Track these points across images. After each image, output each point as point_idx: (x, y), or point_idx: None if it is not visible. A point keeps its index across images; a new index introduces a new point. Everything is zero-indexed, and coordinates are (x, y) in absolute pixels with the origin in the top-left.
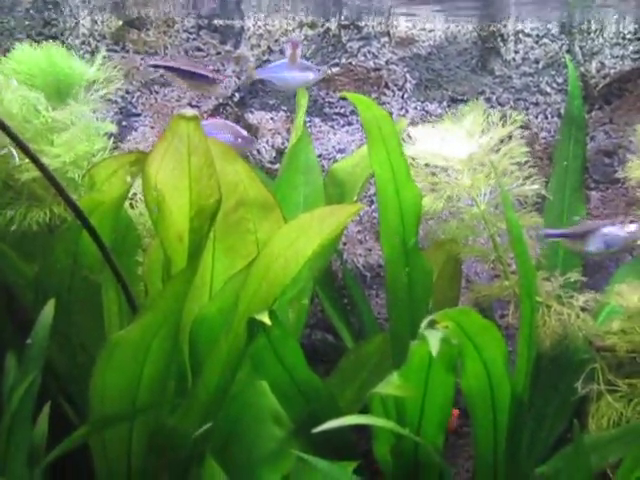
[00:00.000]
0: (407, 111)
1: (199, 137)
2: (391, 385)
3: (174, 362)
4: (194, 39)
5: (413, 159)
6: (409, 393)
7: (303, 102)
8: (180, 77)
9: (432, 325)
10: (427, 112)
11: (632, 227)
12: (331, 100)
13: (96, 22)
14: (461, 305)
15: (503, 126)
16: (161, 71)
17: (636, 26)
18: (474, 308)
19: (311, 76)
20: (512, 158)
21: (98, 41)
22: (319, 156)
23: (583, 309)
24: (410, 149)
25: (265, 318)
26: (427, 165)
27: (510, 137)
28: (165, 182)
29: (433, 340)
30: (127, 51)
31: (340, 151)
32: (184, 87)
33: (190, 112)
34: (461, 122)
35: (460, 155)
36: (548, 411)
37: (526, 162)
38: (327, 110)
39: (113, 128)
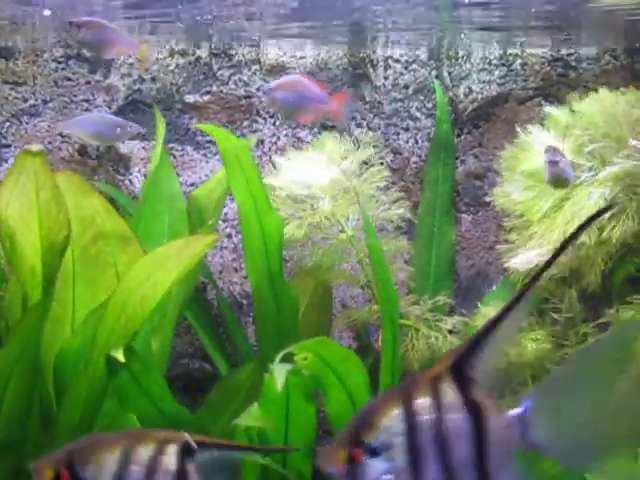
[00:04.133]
0: (279, 138)
1: (46, 172)
2: (251, 416)
3: (37, 398)
4: (63, 69)
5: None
6: (269, 424)
7: (161, 130)
8: None
9: (289, 357)
10: (299, 139)
11: None
12: None
13: None
14: (335, 330)
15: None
16: (31, 101)
17: (501, 52)
18: (349, 332)
19: (120, 132)
20: (374, 183)
21: None
22: (192, 184)
23: (451, 332)
24: (277, 178)
25: (120, 355)
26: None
27: (381, 162)
28: (15, 218)
29: (279, 374)
30: None
31: None
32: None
33: (36, 147)
34: (324, 149)
35: (322, 181)
36: None
37: (397, 186)
38: (199, 138)
39: None
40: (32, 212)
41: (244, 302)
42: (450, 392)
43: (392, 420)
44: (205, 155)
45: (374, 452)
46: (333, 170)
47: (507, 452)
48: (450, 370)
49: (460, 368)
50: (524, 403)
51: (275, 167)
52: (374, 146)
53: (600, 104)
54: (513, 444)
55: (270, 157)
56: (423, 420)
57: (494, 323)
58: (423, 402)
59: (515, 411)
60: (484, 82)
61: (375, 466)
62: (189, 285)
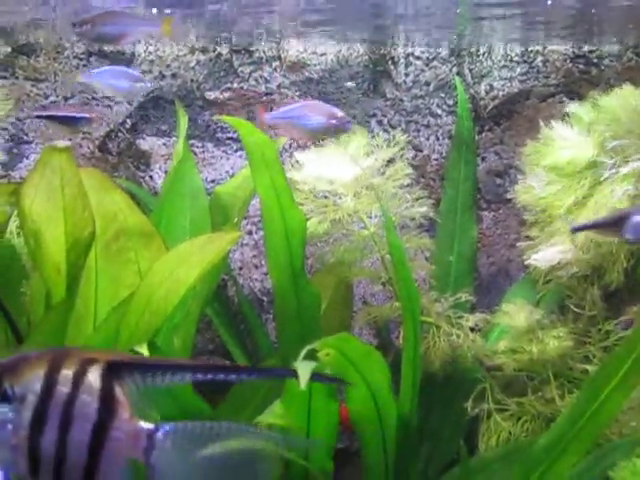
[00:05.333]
0: None
1: (72, 169)
2: (273, 414)
3: None
4: (84, 65)
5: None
6: (290, 422)
7: (183, 125)
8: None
9: (312, 354)
10: None
11: None
12: (224, 125)
13: None
14: (355, 327)
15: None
16: (52, 98)
17: (523, 49)
18: (369, 329)
19: (140, 86)
20: (398, 180)
21: None
22: (212, 181)
23: (472, 329)
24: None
25: (144, 350)
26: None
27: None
28: (40, 214)
29: (303, 373)
30: (17, 77)
31: (233, 176)
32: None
33: (62, 144)
34: (349, 145)
35: (346, 178)
36: (444, 431)
37: (418, 184)
38: (220, 135)
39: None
40: (57, 208)
41: (264, 299)
42: (95, 377)
43: (34, 377)
44: (226, 152)
45: (6, 398)
46: (356, 167)
47: (122, 455)
48: (108, 362)
49: (120, 366)
50: (163, 426)
51: (298, 163)
52: (397, 144)
53: (623, 100)
54: (131, 452)
55: (291, 153)
56: (58, 390)
57: (185, 367)
58: (67, 374)
59: (148, 425)
60: (505, 79)
61: (2, 411)
62: (211, 282)
